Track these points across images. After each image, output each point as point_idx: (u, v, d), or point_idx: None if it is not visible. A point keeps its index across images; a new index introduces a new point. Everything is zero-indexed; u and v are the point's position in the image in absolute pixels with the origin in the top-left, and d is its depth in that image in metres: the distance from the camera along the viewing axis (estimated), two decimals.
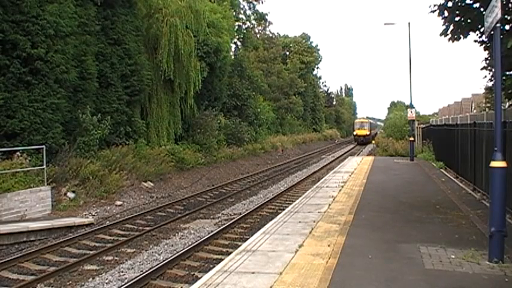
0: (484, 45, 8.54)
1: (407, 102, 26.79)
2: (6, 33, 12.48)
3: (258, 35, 48.02)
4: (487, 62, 8.78)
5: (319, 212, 8.63)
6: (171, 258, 8.24)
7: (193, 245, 9.19)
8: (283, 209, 10.21)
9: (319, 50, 63.76)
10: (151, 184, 17.23)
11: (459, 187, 12.00)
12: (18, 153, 12.18)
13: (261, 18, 46.34)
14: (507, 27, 7.80)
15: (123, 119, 17.45)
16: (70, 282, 7.43)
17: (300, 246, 6.22)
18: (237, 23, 36.58)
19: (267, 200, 14.76)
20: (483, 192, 9.72)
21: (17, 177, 11.65)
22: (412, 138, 21.91)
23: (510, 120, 8.01)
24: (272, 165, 28.14)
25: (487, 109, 17.70)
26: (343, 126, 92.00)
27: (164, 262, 7.98)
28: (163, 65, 19.72)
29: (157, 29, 20.02)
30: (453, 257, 5.62)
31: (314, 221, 7.81)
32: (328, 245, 6.21)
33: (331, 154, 39.87)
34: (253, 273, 5.16)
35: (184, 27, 20.47)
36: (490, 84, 9.82)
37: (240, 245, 7.00)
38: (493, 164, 5.43)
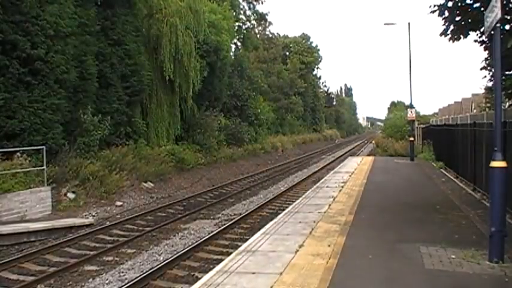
0: (484, 45, 8.55)
1: (408, 102, 26.79)
2: (6, 34, 12.45)
3: (258, 35, 47.97)
4: (487, 62, 8.79)
5: (319, 212, 8.63)
6: (171, 258, 8.23)
7: (193, 245, 9.19)
8: (284, 209, 10.20)
9: (319, 50, 63.76)
10: (152, 184, 17.22)
11: (459, 187, 12.00)
12: (18, 153, 12.16)
13: (261, 18, 46.29)
14: (507, 27, 7.80)
15: (123, 120, 17.45)
16: (70, 282, 7.43)
17: (300, 246, 6.22)
18: (237, 23, 36.53)
19: (267, 200, 14.76)
20: (483, 192, 9.72)
21: (17, 178, 11.64)
22: (412, 138, 21.90)
23: (510, 120, 8.01)
24: (272, 166, 28.13)
25: (487, 109, 17.67)
26: (343, 127, 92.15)
27: (164, 262, 7.97)
28: (164, 65, 19.73)
29: (158, 29, 20.02)
30: (453, 257, 5.62)
31: (314, 221, 7.80)
32: (329, 245, 6.20)
33: (331, 154, 39.87)
34: (253, 273, 5.16)
35: (184, 28, 20.47)
36: (490, 84, 9.83)
37: (240, 245, 7.00)
38: (493, 164, 5.43)
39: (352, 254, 5.83)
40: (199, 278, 5.85)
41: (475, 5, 8.04)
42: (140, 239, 10.13)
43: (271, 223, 7.97)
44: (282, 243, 6.46)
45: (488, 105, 17.30)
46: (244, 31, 40.96)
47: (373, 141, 47.85)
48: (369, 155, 31.84)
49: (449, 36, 8.33)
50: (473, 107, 37.91)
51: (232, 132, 28.14)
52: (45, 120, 13.25)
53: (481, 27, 7.43)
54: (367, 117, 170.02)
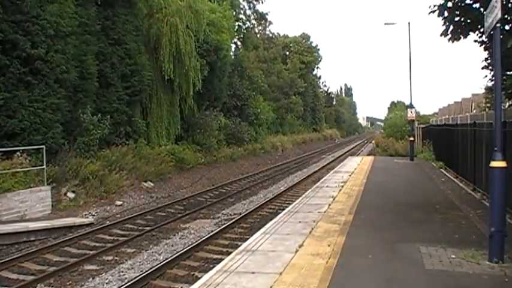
0: (484, 45, 8.55)
1: (407, 102, 26.80)
2: (6, 33, 12.44)
3: (258, 35, 47.98)
4: (487, 62, 8.78)
5: (319, 212, 8.63)
6: (171, 258, 8.24)
7: (193, 245, 9.19)
8: (283, 209, 10.20)
9: (319, 50, 63.79)
10: (151, 184, 17.22)
11: (459, 187, 12.00)
12: (18, 153, 12.17)
13: (261, 18, 46.30)
14: (507, 27, 7.79)
15: (123, 119, 17.45)
16: (70, 282, 7.43)
17: (300, 246, 6.22)
18: (237, 23, 36.53)
19: (267, 200, 14.76)
20: (483, 192, 9.72)
21: (17, 177, 11.64)
22: (412, 138, 21.89)
23: (510, 120, 8.01)
24: (272, 165, 28.13)
25: (487, 109, 17.67)
26: (343, 126, 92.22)
27: (164, 262, 7.98)
28: (164, 65, 19.72)
29: (158, 29, 20.01)
30: (453, 257, 5.62)
31: (314, 221, 7.80)
32: (328, 245, 6.20)
33: (331, 154, 39.88)
34: (253, 273, 5.16)
35: (185, 27, 20.47)
36: (490, 84, 9.82)
37: (240, 245, 7.00)
38: (493, 164, 5.43)
39: (352, 253, 5.83)
40: (199, 278, 5.85)
41: (474, 5, 8.04)
42: (140, 239, 10.13)
43: (271, 223, 7.97)
44: (282, 242, 6.46)
45: (488, 105, 17.29)
46: (244, 31, 40.96)
47: (373, 141, 47.87)
48: (368, 154, 31.85)
49: (449, 36, 8.31)
50: (473, 107, 37.90)
51: (232, 132, 28.15)
52: (45, 120, 13.25)
53: (481, 27, 7.43)
54: (367, 117, 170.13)
